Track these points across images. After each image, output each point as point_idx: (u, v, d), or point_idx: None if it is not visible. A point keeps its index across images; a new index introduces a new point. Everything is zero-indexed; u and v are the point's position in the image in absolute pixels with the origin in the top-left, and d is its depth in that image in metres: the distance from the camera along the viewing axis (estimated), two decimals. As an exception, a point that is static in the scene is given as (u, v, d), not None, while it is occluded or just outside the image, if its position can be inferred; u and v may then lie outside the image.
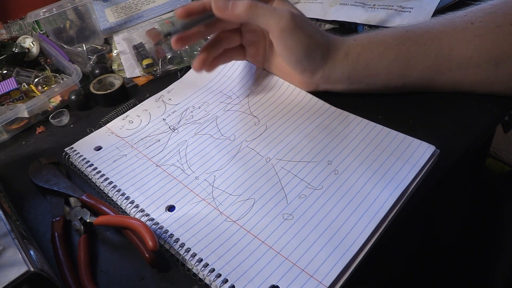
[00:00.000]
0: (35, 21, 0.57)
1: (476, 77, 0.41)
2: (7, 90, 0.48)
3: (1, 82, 0.49)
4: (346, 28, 0.55)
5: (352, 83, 0.42)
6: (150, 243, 0.31)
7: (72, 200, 0.37)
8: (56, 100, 0.49)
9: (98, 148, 0.42)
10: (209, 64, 0.42)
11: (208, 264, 0.31)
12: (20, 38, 0.55)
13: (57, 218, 0.36)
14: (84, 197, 0.37)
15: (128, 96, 0.50)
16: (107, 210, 0.35)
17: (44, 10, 0.54)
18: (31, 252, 0.30)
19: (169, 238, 0.33)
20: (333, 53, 0.40)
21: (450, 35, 0.40)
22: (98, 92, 0.48)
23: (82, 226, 0.35)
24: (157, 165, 0.39)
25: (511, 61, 0.40)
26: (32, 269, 0.27)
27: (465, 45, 0.40)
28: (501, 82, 0.41)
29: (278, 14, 0.37)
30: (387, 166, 0.36)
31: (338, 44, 0.40)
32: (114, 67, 0.55)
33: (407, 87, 0.43)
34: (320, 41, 0.39)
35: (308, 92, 0.45)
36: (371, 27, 0.52)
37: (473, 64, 0.40)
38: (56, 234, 0.34)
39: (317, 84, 0.44)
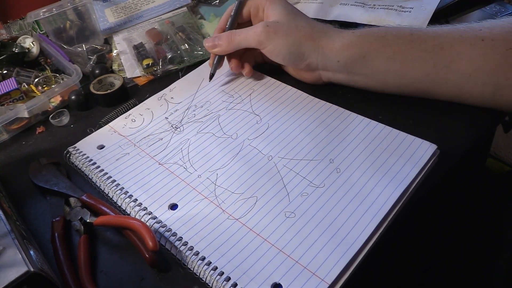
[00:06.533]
0: (35, 21, 0.57)
1: (471, 96, 0.40)
2: (7, 90, 0.47)
3: (1, 82, 0.48)
4: (346, 28, 0.55)
5: (350, 72, 0.43)
6: (150, 244, 0.30)
7: (72, 200, 0.37)
8: (56, 100, 0.49)
9: (101, 147, 0.42)
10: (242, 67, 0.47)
11: (210, 262, 0.31)
12: (20, 38, 0.55)
13: (57, 218, 0.35)
14: (84, 197, 0.37)
15: (128, 96, 0.50)
16: (107, 210, 0.35)
17: (44, 10, 0.54)
18: (31, 252, 0.30)
19: (172, 237, 0.33)
20: (325, 43, 0.42)
21: (455, 47, 0.38)
22: (98, 92, 0.48)
23: (82, 226, 0.34)
24: (159, 164, 0.39)
25: (511, 88, 0.37)
26: (32, 269, 0.27)
27: (466, 61, 0.38)
28: (497, 105, 0.40)
29: (252, 33, 0.43)
30: (388, 164, 0.36)
31: (332, 35, 0.42)
32: (114, 67, 0.54)
33: (403, 89, 0.42)
34: (303, 35, 0.42)
35: (313, 84, 0.46)
36: (371, 27, 0.52)
37: (471, 83, 0.38)
38: (56, 234, 0.34)
39: (318, 74, 0.45)
